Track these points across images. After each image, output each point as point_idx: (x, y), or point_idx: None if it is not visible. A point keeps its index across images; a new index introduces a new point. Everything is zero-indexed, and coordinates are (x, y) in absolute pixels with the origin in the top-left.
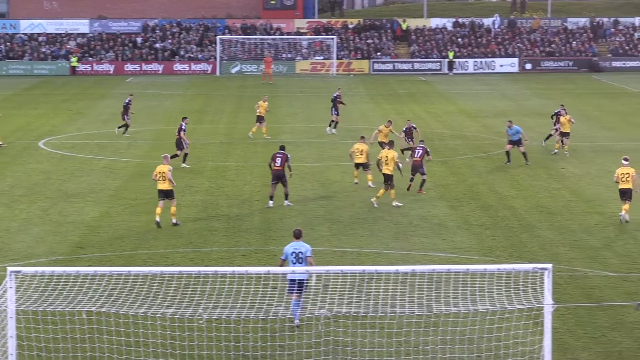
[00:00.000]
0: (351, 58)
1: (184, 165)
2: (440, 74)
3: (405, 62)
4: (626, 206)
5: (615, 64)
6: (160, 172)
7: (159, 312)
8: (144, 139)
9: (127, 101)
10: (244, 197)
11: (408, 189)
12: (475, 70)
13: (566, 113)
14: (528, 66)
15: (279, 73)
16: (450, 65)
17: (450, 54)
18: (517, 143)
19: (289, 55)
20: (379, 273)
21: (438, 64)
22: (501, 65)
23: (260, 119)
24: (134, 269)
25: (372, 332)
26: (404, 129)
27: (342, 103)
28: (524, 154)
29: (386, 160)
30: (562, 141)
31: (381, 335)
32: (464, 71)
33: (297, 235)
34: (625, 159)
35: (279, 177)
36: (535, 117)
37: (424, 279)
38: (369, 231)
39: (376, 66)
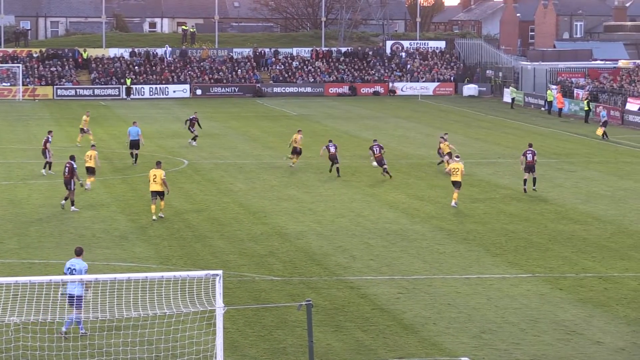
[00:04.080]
0: (36, 84)
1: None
2: (119, 99)
3: (86, 88)
4: (455, 195)
5: (276, 89)
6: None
7: None
8: None
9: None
10: None
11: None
12: (151, 95)
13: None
14: (199, 92)
15: None
16: (128, 91)
17: (128, 81)
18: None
19: None
20: (65, 282)
21: (117, 89)
22: (174, 91)
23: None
24: None
25: (59, 337)
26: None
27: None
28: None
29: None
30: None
31: (67, 339)
32: (140, 96)
33: (77, 253)
34: (457, 156)
35: (65, 184)
36: (205, 138)
37: (106, 287)
38: (56, 244)
39: (60, 92)
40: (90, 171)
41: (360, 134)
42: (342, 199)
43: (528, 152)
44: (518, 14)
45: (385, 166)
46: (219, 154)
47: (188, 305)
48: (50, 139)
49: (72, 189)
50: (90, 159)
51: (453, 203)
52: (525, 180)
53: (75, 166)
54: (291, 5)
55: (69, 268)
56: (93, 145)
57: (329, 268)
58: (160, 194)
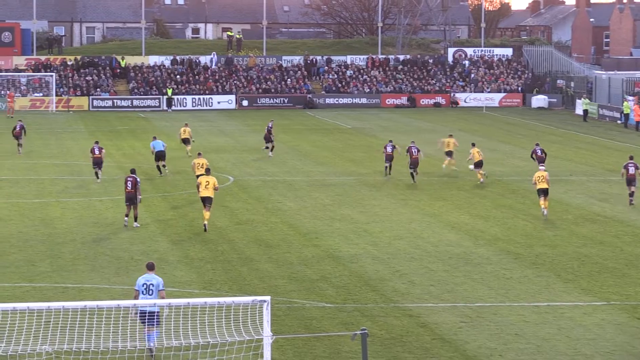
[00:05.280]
0: (70, 95)
1: (98, 180)
2: (160, 110)
3: (124, 99)
4: (545, 203)
5: (329, 100)
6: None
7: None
8: None
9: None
10: None
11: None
12: (193, 106)
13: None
14: (245, 103)
15: None
16: (169, 102)
17: (169, 91)
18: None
19: (8, 92)
20: (101, 308)
21: (157, 100)
22: (219, 102)
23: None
24: None
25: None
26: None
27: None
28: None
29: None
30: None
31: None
32: (182, 108)
33: (150, 267)
34: (542, 165)
35: (130, 199)
36: (252, 153)
37: (145, 314)
38: (91, 267)
39: (95, 103)
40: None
41: (420, 148)
42: (400, 219)
43: (630, 164)
44: (591, 19)
45: (416, 170)
46: (266, 170)
47: (233, 334)
48: (97, 149)
49: (137, 202)
50: (202, 167)
51: (544, 212)
52: (631, 193)
53: (139, 180)
54: (345, 9)
55: (145, 284)
56: (200, 154)
57: (385, 294)
58: (210, 201)
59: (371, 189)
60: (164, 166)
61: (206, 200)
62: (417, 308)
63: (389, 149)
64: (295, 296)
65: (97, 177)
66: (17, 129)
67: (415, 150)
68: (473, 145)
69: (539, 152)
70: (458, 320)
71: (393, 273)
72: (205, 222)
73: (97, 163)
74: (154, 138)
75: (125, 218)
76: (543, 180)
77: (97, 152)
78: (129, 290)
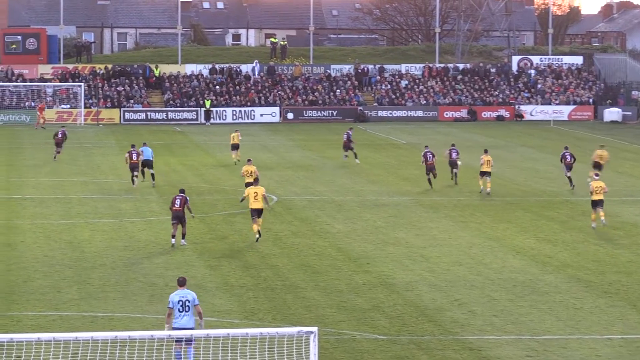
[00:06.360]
0: (100, 107)
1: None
2: (197, 124)
3: (159, 111)
4: (602, 213)
5: (382, 113)
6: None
7: None
8: None
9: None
10: None
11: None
12: (234, 119)
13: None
14: (290, 116)
15: (21, 123)
16: (208, 114)
17: (208, 103)
18: None
19: (33, 104)
20: (133, 339)
21: (194, 113)
22: (261, 115)
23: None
24: None
25: None
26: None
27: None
28: None
29: None
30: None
31: None
32: (222, 121)
33: (181, 283)
34: (597, 174)
35: (178, 217)
36: (297, 170)
37: (180, 345)
38: (122, 294)
39: (127, 115)
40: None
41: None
42: (459, 243)
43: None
44: None
45: (434, 172)
46: (313, 189)
47: None
48: (135, 154)
49: (185, 221)
50: (250, 175)
51: (603, 220)
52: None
53: (188, 198)
54: (400, 13)
55: (180, 300)
56: (249, 160)
57: (443, 325)
58: (260, 212)
59: (428, 210)
60: (152, 175)
61: (256, 213)
62: (478, 341)
63: (454, 155)
64: (344, 327)
65: (133, 183)
66: (59, 135)
67: (431, 155)
68: (486, 151)
69: (569, 158)
70: (523, 354)
71: (452, 302)
72: (257, 234)
73: (134, 168)
74: (144, 144)
75: (173, 239)
76: (601, 191)
77: (134, 157)
78: (164, 319)
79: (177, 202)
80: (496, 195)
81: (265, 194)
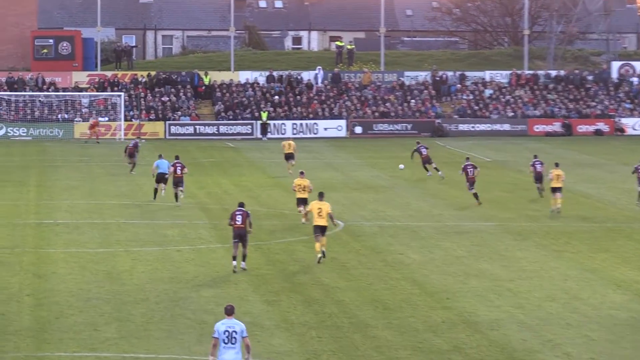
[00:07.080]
0: (143, 119)
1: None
2: (252, 138)
3: (209, 125)
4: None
5: (462, 126)
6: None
7: None
8: None
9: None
10: (12, 291)
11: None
12: (294, 134)
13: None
14: (358, 129)
15: (53, 138)
16: (264, 128)
17: (264, 115)
18: None
19: (66, 116)
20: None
21: (249, 126)
22: (325, 129)
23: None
24: None
25: None
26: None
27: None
28: None
29: None
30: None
31: None
32: (280, 135)
33: (229, 312)
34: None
35: (240, 236)
36: (366, 192)
37: None
38: (167, 332)
39: (173, 129)
40: (302, 202)
41: (576, 186)
42: (551, 275)
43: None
44: None
45: (473, 190)
46: (385, 214)
47: None
48: (179, 168)
49: (247, 240)
50: (303, 190)
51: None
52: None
53: (250, 213)
54: (483, 13)
55: (227, 331)
56: (302, 173)
57: None
58: (324, 230)
59: (516, 237)
60: (164, 189)
61: (320, 230)
62: None
63: (538, 167)
64: None
65: (177, 200)
66: (131, 145)
67: (472, 169)
68: (556, 165)
69: None
70: None
71: (544, 343)
72: (319, 253)
73: (177, 183)
74: (160, 156)
75: (234, 262)
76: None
77: (178, 171)
78: None
79: (239, 218)
80: (595, 221)
81: (331, 212)
